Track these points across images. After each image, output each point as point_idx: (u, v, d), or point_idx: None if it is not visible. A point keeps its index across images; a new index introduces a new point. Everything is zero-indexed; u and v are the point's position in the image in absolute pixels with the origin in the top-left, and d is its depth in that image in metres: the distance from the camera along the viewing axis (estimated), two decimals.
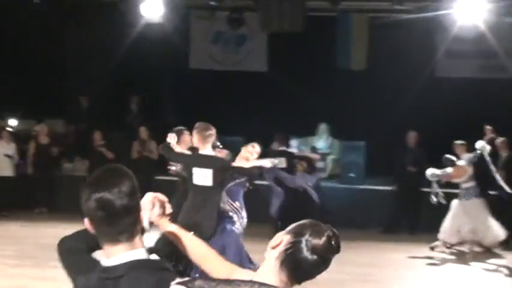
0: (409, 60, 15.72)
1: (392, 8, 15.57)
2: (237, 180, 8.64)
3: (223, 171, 8.29)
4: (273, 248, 2.67)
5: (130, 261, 2.56)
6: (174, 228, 2.98)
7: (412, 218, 14.08)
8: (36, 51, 16.99)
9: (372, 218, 14.28)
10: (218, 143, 9.12)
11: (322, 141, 16.19)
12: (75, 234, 2.93)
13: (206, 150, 8.27)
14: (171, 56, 17.15)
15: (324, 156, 15.64)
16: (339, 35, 16.71)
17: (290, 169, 13.38)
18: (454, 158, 12.18)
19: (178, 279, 2.48)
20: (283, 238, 2.66)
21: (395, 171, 14.41)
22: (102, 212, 2.52)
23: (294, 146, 15.03)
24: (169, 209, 2.90)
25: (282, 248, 2.63)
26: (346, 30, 16.63)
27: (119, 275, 2.54)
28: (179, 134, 9.16)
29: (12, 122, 17.40)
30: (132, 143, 15.44)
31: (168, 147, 8.53)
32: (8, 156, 15.27)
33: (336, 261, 2.67)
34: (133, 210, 2.58)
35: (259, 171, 9.02)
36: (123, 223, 2.55)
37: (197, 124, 8.40)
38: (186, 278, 2.52)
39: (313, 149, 15.02)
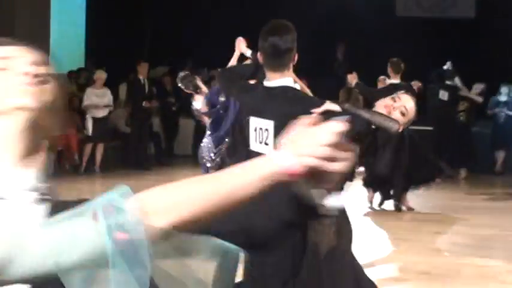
0: None
1: None
2: None
3: None
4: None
5: (283, 86, 3.71)
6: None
7: None
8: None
9: None
10: None
11: None
12: (235, 67, 4.34)
13: None
14: (377, 3, 17.19)
15: None
16: None
17: (452, 103, 13.78)
18: None
19: (328, 103, 3.51)
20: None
21: None
22: (272, 50, 3.68)
23: (504, 93, 14.61)
24: None
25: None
26: None
27: (276, 93, 3.69)
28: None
29: None
30: (339, 91, 15.67)
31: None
32: None
33: None
34: (292, 52, 3.73)
35: None
36: (283, 59, 3.71)
37: None
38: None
39: (482, 91, 14.48)
